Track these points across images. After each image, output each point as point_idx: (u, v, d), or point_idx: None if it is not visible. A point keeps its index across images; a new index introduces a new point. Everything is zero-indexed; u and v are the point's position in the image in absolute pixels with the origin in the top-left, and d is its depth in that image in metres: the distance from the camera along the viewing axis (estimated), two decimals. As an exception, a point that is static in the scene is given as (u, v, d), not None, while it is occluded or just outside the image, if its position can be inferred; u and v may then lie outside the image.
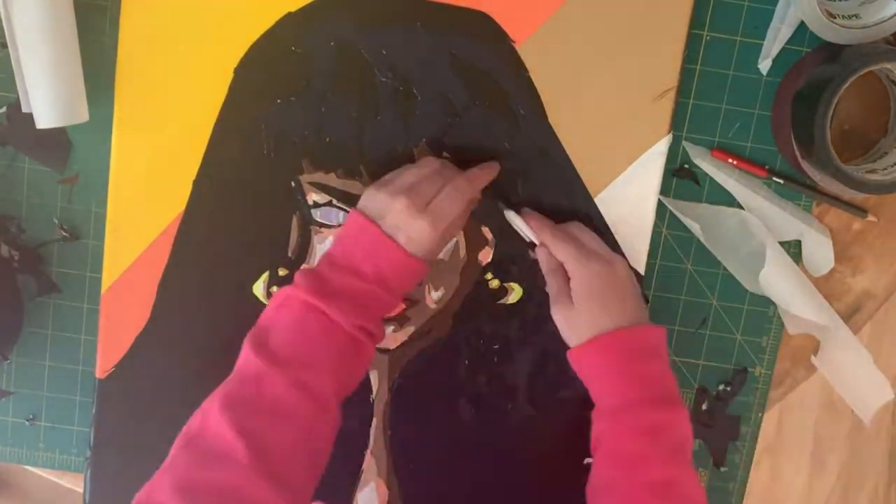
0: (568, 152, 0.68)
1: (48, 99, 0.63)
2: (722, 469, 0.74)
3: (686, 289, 0.72)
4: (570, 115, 0.67)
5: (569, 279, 0.65)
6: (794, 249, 0.72)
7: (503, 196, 0.68)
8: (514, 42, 0.66)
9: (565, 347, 0.66)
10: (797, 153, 0.66)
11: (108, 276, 0.69)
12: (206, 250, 0.69)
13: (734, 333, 0.73)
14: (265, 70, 0.67)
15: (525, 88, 0.67)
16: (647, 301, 0.71)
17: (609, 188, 0.68)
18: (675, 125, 0.69)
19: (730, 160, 0.70)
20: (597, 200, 0.68)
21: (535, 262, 0.69)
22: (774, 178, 0.70)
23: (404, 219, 0.60)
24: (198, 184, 0.68)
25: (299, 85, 0.66)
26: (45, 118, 0.64)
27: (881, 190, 0.64)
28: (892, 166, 0.65)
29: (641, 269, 0.70)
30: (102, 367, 0.70)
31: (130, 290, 0.69)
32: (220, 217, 0.68)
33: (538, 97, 0.67)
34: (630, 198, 0.68)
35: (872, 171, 0.65)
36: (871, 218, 0.71)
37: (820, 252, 0.71)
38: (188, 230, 0.69)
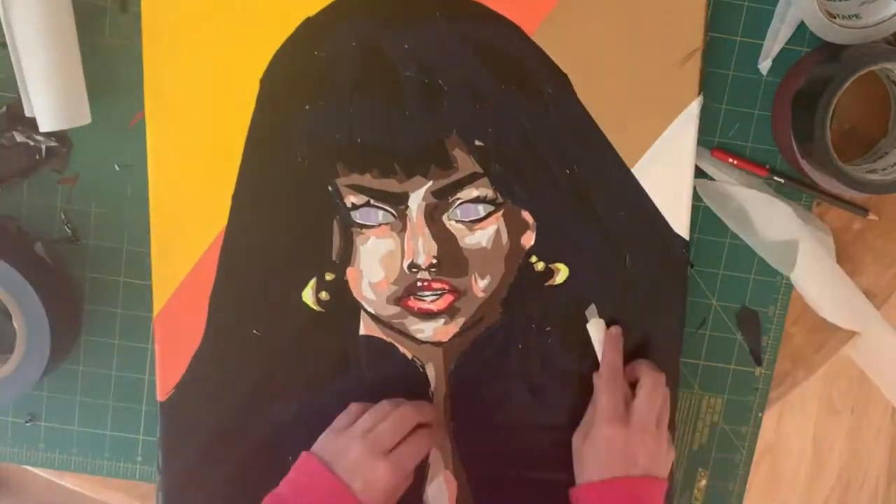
0: (600, 125, 0.67)
1: (51, 103, 0.63)
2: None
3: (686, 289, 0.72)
4: (598, 89, 0.66)
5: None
6: (794, 249, 0.71)
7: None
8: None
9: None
10: (797, 153, 0.66)
11: (159, 299, 0.69)
12: (251, 263, 0.68)
13: (734, 333, 0.73)
14: (290, 77, 0.66)
15: (550, 67, 0.66)
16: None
17: (645, 157, 0.67)
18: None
19: (730, 160, 0.70)
20: (634, 170, 0.67)
21: (580, 239, 0.68)
22: (775, 178, 0.70)
23: (363, 462, 0.60)
24: (236, 199, 0.67)
25: (325, 88, 0.66)
26: (48, 122, 0.64)
27: (881, 190, 0.64)
28: (892, 166, 0.66)
29: (685, 234, 0.68)
30: (163, 390, 0.70)
31: (181, 311, 0.69)
32: (262, 229, 0.68)
33: (564, 74, 0.66)
34: (667, 164, 0.67)
35: (872, 171, 0.65)
36: (871, 217, 0.71)
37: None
38: (232, 245, 0.68)
